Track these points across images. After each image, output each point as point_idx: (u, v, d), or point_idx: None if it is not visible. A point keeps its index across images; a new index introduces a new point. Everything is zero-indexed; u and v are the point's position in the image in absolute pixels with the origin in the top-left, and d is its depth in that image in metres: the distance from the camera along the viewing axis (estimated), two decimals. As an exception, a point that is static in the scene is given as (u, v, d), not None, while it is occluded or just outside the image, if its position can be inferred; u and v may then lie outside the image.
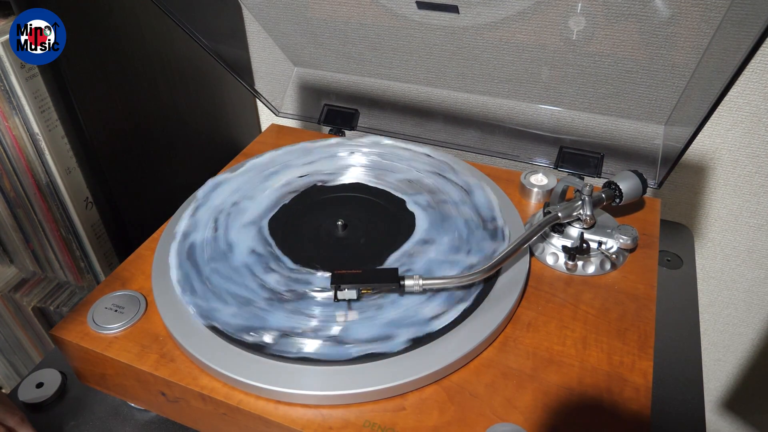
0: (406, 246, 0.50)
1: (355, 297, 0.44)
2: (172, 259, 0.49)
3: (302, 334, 0.42)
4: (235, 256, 0.49)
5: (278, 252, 0.50)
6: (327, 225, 0.53)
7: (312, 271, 0.48)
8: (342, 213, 0.54)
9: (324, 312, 0.44)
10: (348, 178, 0.59)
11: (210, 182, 0.58)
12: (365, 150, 0.62)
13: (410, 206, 0.54)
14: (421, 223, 0.52)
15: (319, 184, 0.58)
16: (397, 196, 0.56)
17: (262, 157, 0.61)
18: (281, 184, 0.58)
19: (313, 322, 0.43)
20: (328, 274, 0.47)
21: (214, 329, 0.43)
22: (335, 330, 0.42)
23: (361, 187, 0.57)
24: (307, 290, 0.46)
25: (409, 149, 0.62)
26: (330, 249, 0.51)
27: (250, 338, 0.42)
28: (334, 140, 0.64)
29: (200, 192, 0.56)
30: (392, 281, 0.43)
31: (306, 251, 0.50)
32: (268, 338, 0.41)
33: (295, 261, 0.49)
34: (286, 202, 0.56)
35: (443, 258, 0.48)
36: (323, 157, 0.61)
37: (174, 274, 0.47)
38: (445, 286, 0.44)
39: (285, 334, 0.42)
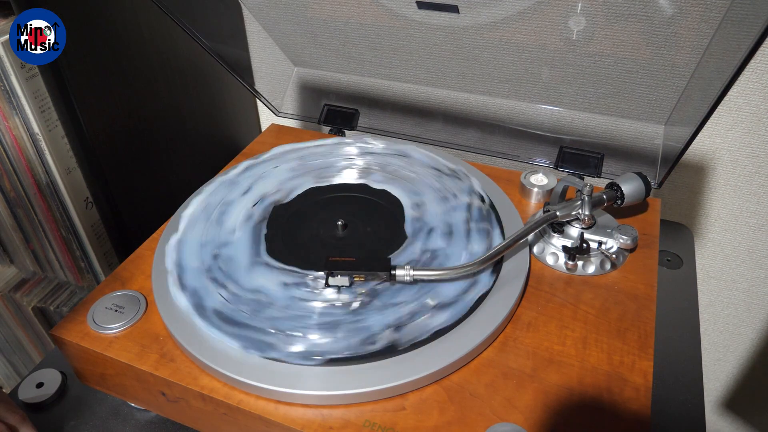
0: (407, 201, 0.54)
1: (347, 284, 0.45)
2: (214, 333, 0.43)
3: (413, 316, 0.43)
4: (264, 296, 0.46)
5: (304, 273, 0.47)
6: (326, 234, 0.52)
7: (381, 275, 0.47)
8: (328, 218, 0.53)
9: (405, 296, 0.45)
10: (297, 188, 0.57)
11: (169, 249, 0.50)
12: (281, 160, 0.61)
13: (375, 185, 0.57)
14: (404, 199, 0.55)
15: (277, 203, 0.56)
16: (362, 183, 0.58)
17: (189, 208, 0.55)
18: (241, 219, 0.53)
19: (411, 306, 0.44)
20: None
21: (338, 360, 0.40)
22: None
23: (313, 193, 0.57)
24: (364, 292, 0.45)
25: (326, 145, 0.63)
26: (351, 253, 0.50)
27: (371, 347, 0.41)
28: (249, 163, 0.61)
29: (168, 263, 0.49)
30: (383, 270, 0.44)
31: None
32: (379, 344, 0.41)
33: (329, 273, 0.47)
34: (265, 232, 0.52)
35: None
36: (258, 180, 0.59)
37: (233, 343, 0.42)
38: (436, 277, 0.45)
39: (396, 327, 0.42)
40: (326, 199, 0.56)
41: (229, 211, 0.55)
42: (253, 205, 0.55)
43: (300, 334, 0.42)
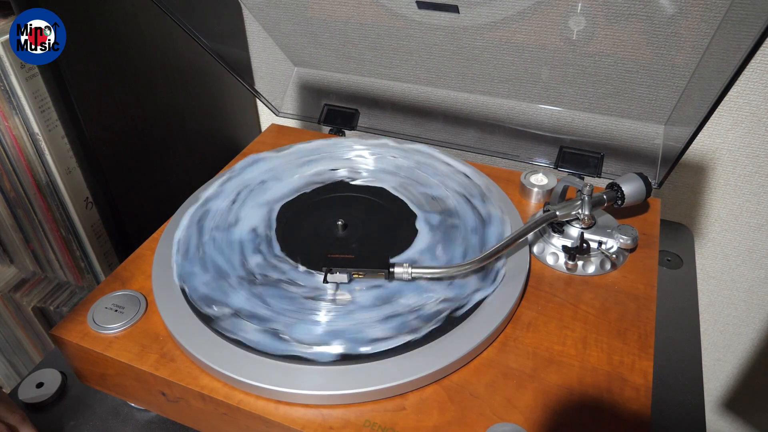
0: (396, 259, 0.48)
1: (345, 280, 0.45)
2: (184, 220, 0.52)
3: (253, 319, 0.43)
4: (236, 230, 0.52)
5: (273, 237, 0.51)
6: (329, 222, 0.53)
7: (294, 264, 0.48)
8: (348, 213, 0.53)
9: (284, 305, 0.44)
10: (375, 181, 0.58)
11: (251, 157, 0.60)
12: (408, 156, 0.61)
13: (418, 223, 0.52)
14: (420, 242, 0.50)
15: (346, 180, 0.58)
16: (411, 210, 0.54)
17: (309, 143, 0.63)
18: (312, 173, 0.59)
19: (269, 312, 0.44)
20: (303, 269, 0.48)
21: (183, 292, 0.45)
22: (285, 323, 0.43)
23: (381, 193, 0.56)
24: (281, 278, 0.47)
25: (450, 165, 0.59)
26: (323, 246, 0.51)
27: (209, 310, 0.44)
28: (384, 141, 0.63)
29: (238, 165, 0.60)
30: (382, 267, 0.44)
31: (299, 244, 0.51)
32: (221, 312, 0.43)
33: (282, 249, 0.50)
34: (307, 191, 0.57)
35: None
36: (366, 156, 0.61)
37: (178, 233, 0.51)
38: (434, 275, 0.45)
39: (237, 314, 0.43)
40: (366, 201, 0.56)
41: (308, 165, 0.60)
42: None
43: (251, 318, 0.44)
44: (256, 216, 0.53)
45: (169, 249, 0.50)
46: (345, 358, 0.40)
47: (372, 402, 0.39)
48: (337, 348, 0.40)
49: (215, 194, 0.56)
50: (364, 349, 0.40)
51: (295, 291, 0.46)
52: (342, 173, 0.59)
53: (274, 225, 0.53)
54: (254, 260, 0.48)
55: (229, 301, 0.44)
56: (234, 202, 0.55)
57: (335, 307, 0.44)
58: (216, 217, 0.53)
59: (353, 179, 0.59)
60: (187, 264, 0.48)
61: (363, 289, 0.45)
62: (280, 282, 0.46)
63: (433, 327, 0.42)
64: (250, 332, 0.42)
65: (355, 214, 0.54)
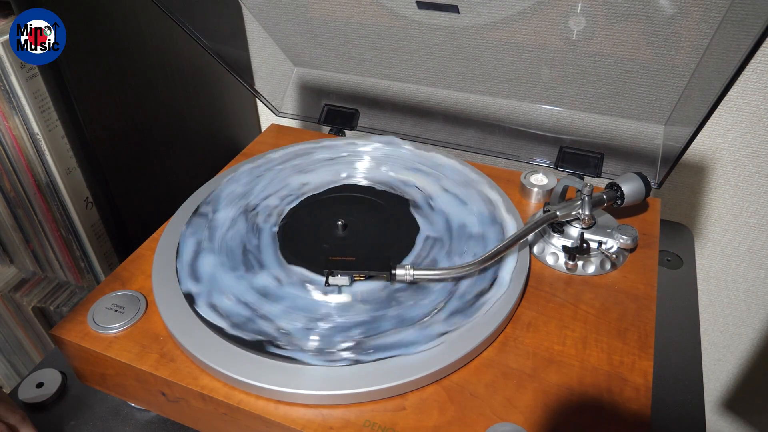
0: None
1: (347, 283, 0.45)
2: (286, 150, 0.60)
3: (205, 241, 0.48)
4: (293, 178, 0.56)
5: (298, 201, 0.54)
6: (333, 222, 0.52)
7: (272, 227, 0.50)
8: (364, 222, 0.53)
9: (226, 246, 0.48)
10: (428, 222, 0.53)
11: (381, 138, 0.63)
12: (485, 224, 0.53)
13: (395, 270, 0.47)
14: (361, 285, 0.47)
15: (411, 203, 0.55)
16: (417, 227, 0.52)
17: (449, 159, 0.60)
18: (400, 178, 0.59)
19: (216, 245, 0.48)
20: (273, 233, 0.50)
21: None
22: (205, 261, 0.48)
23: (413, 232, 0.52)
24: (253, 228, 0.50)
25: (491, 200, 0.54)
26: (314, 238, 0.51)
27: (192, 214, 0.51)
28: (497, 197, 0.56)
29: (308, 144, 0.63)
30: (383, 270, 0.44)
31: (303, 219, 0.52)
32: (200, 212, 0.51)
33: (287, 212, 0.53)
34: (376, 188, 0.57)
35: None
36: (407, 166, 0.60)
37: (262, 160, 0.58)
38: (436, 277, 0.45)
39: (200, 227, 0.49)
40: (389, 228, 0.52)
41: (407, 171, 0.59)
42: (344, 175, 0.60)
43: (229, 189, 0.52)
44: (317, 180, 0.57)
45: (171, 249, 0.50)
46: (190, 300, 0.44)
47: (372, 402, 0.39)
48: (195, 298, 0.44)
49: (322, 148, 0.61)
50: (207, 314, 0.43)
51: (246, 246, 0.48)
52: (417, 196, 0.55)
53: (314, 193, 0.55)
54: (267, 203, 0.52)
55: (210, 216, 0.49)
56: (319, 161, 0.59)
57: (246, 283, 0.46)
58: (297, 161, 0.58)
59: (417, 207, 0.54)
60: (232, 181, 0.54)
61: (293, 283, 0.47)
62: (249, 232, 0.49)
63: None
64: (188, 250, 0.48)
65: (368, 229, 0.52)
